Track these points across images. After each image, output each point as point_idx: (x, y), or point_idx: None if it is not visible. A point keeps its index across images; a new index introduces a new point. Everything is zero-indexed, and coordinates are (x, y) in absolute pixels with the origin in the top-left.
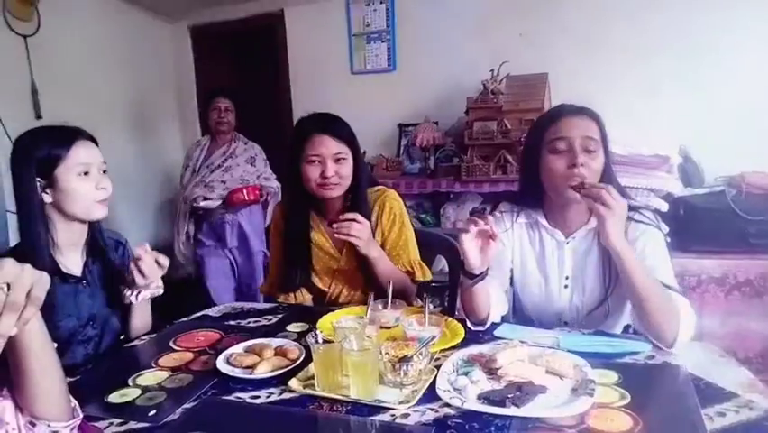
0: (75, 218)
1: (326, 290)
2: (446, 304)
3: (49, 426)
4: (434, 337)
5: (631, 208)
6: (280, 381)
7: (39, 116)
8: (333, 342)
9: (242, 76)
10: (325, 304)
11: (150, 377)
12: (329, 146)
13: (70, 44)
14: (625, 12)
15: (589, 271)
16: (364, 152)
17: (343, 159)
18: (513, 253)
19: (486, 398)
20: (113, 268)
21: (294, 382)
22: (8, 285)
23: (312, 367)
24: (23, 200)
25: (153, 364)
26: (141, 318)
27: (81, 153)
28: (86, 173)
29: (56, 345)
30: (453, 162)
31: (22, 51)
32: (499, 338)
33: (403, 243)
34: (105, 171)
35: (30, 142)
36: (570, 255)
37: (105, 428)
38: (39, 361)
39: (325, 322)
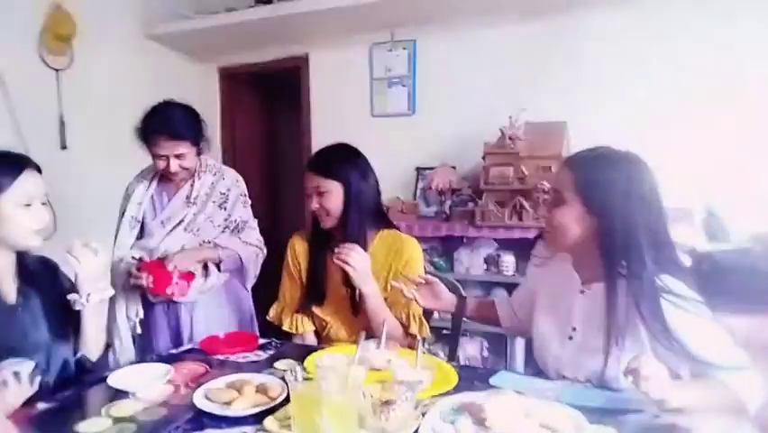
0: (5, 245)
1: (327, 319)
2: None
3: None
4: (421, 382)
5: (665, 291)
6: (258, 419)
7: (64, 147)
8: (313, 380)
9: (266, 118)
10: (324, 337)
11: (125, 408)
12: (312, 181)
13: (100, 79)
14: (645, 62)
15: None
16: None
17: (325, 192)
18: (536, 293)
19: None
20: (49, 293)
21: (270, 421)
22: None
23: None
24: None
25: (132, 396)
26: (94, 333)
27: (27, 184)
28: (28, 204)
29: None
30: (468, 207)
31: (54, 84)
32: (495, 387)
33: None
34: (45, 203)
35: None
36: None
37: None
38: None
39: (313, 360)
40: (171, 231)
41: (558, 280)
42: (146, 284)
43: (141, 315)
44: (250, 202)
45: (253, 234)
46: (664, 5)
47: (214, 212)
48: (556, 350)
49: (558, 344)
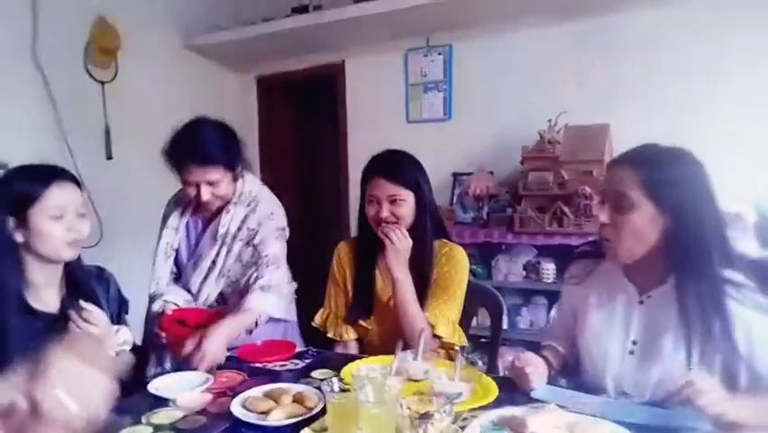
0: (46, 258)
1: (369, 327)
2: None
3: None
4: (460, 394)
5: (731, 283)
6: (295, 430)
7: (110, 157)
8: (350, 391)
9: (303, 125)
10: (366, 344)
11: (164, 416)
12: (384, 188)
13: (143, 90)
14: (691, 62)
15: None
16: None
17: (400, 201)
18: (576, 309)
19: None
20: (96, 303)
21: None
22: None
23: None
24: None
25: (171, 404)
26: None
27: (57, 196)
28: (59, 216)
29: None
30: (507, 213)
31: (99, 96)
32: (537, 401)
33: (445, 298)
34: (83, 214)
35: (7, 181)
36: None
37: None
38: None
39: (349, 371)
40: (206, 277)
41: (607, 294)
42: (166, 343)
43: (169, 367)
44: (288, 234)
45: (278, 274)
46: (709, 3)
47: (241, 250)
48: (615, 367)
49: (617, 361)
